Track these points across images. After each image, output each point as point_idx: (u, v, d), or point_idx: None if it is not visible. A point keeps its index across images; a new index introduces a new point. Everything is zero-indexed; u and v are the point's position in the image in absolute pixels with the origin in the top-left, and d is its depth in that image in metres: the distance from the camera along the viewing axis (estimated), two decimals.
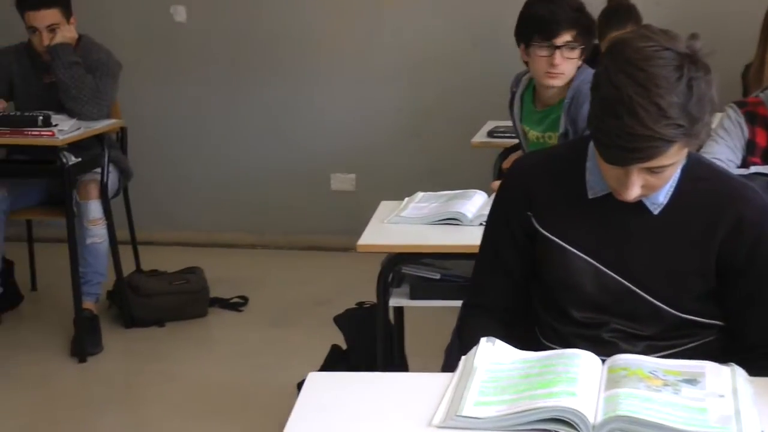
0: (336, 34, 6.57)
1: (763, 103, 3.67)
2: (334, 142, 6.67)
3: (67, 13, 5.13)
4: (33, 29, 5.07)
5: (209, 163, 6.82)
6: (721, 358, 2.26)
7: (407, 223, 3.48)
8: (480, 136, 5.22)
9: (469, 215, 3.45)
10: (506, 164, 4.26)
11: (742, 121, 3.65)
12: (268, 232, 6.80)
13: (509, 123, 5.10)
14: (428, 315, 3.93)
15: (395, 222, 3.49)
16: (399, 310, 3.53)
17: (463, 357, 2.19)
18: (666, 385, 1.99)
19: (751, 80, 5.45)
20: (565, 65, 3.73)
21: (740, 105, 3.70)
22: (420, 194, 3.75)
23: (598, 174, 2.30)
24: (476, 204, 3.56)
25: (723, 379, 2.04)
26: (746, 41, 5.41)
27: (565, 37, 3.68)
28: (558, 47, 3.68)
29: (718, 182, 2.34)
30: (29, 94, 5.15)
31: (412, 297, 3.44)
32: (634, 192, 2.16)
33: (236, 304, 5.63)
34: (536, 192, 2.40)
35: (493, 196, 3.53)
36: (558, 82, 3.79)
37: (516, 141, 4.62)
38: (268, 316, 5.55)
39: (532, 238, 2.41)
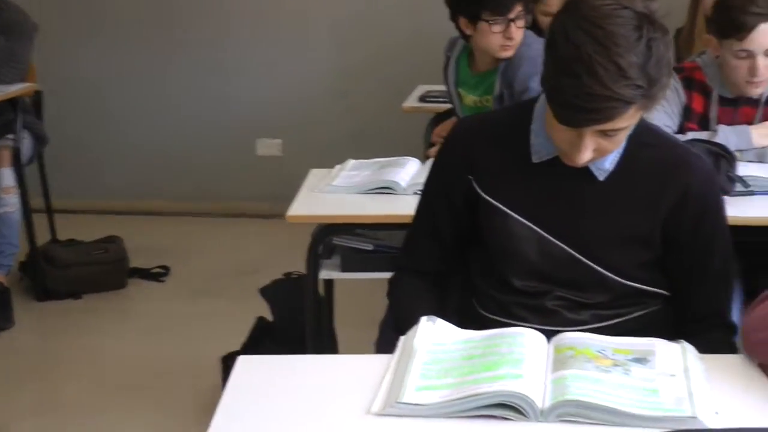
0: None
1: (700, 67, 3.63)
2: (259, 106, 6.50)
3: None
4: None
5: (130, 128, 6.61)
6: (667, 327, 2.26)
7: (339, 192, 3.35)
8: (411, 101, 5.09)
9: (403, 184, 3.34)
10: (438, 131, 4.12)
11: (679, 86, 3.61)
12: (191, 199, 6.61)
13: (441, 87, 5.03)
14: (359, 288, 3.79)
15: (326, 191, 3.35)
16: (329, 283, 3.41)
17: (401, 337, 2.08)
18: (616, 365, 1.91)
19: (682, 45, 5.44)
20: (518, 35, 3.69)
21: (677, 70, 3.63)
22: (351, 162, 3.62)
23: (543, 137, 2.23)
24: (410, 172, 3.44)
25: (673, 357, 1.97)
26: (677, 6, 5.36)
27: (517, 9, 3.63)
28: (511, 20, 3.61)
29: (664, 149, 2.28)
30: None
31: (344, 269, 3.32)
32: (586, 155, 2.08)
33: (157, 275, 5.48)
34: (478, 155, 2.31)
35: (428, 163, 3.46)
36: (511, 53, 3.73)
37: (448, 106, 4.53)
38: (191, 286, 5.39)
39: (473, 204, 2.32)
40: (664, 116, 3.56)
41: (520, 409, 1.75)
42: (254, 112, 6.53)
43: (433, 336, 2.04)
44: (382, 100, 6.11)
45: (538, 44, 3.72)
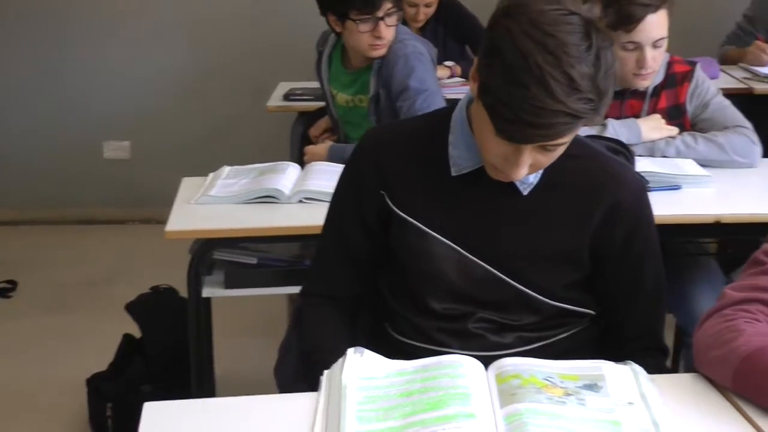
0: None
1: None
2: (106, 107, 6.17)
3: None
4: None
5: None
6: (594, 348, 2.16)
7: (217, 202, 3.11)
8: (276, 100, 4.79)
9: (286, 191, 3.13)
10: (314, 131, 3.93)
11: None
12: (36, 207, 6.25)
13: (305, 84, 4.88)
14: (235, 304, 3.59)
15: (203, 202, 3.11)
16: (206, 301, 3.13)
17: (326, 372, 1.89)
18: (568, 394, 1.76)
19: None
20: (388, 34, 3.49)
21: None
22: (226, 169, 3.38)
23: (463, 149, 2.06)
24: (291, 178, 3.24)
25: (625, 382, 1.84)
26: None
27: (386, 6, 3.44)
28: (380, 18, 3.42)
29: (591, 161, 2.13)
30: None
31: (228, 286, 3.07)
32: (522, 172, 1.92)
33: (3, 290, 5.17)
34: (390, 169, 2.13)
35: (309, 167, 3.27)
36: (382, 52, 3.53)
37: (317, 105, 4.37)
38: (42, 301, 5.08)
39: (386, 221, 2.15)
40: None
41: None
42: (101, 114, 6.20)
43: (361, 370, 1.85)
44: (241, 100, 5.91)
45: (413, 40, 3.60)
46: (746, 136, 3.36)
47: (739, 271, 2.22)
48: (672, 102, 3.46)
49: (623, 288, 2.16)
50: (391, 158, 2.13)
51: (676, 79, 3.46)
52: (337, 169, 3.28)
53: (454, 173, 2.08)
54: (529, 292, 2.10)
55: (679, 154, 3.30)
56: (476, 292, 2.11)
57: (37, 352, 4.47)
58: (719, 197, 3.05)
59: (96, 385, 3.74)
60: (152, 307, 3.81)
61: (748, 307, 1.89)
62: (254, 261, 3.12)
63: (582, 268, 2.13)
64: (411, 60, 3.49)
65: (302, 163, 3.49)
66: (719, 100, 3.48)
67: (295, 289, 3.12)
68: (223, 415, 1.77)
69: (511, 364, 1.85)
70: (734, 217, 2.95)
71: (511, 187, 2.05)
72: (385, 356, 2.01)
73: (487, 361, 1.96)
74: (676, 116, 3.46)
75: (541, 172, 2.03)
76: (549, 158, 1.92)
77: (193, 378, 3.06)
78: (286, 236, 2.99)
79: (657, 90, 3.45)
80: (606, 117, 3.48)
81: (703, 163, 3.23)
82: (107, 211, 6.19)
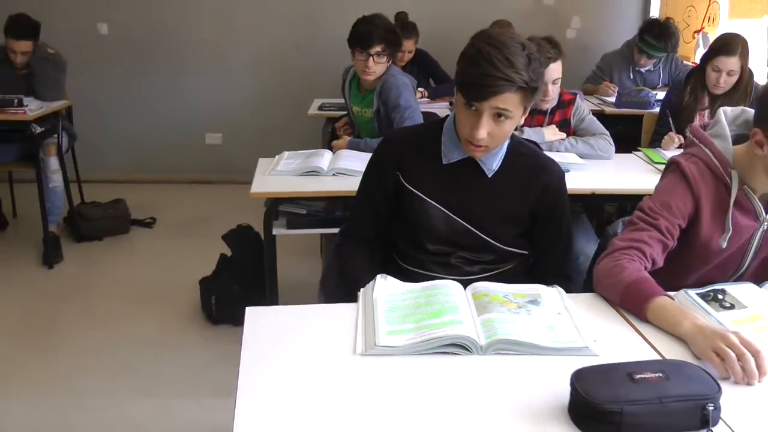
0: (204, 40, 5.75)
1: None
2: (206, 112, 5.91)
3: (36, 42, 4.39)
4: (12, 50, 4.33)
5: (128, 125, 5.89)
6: (524, 275, 2.01)
7: (281, 175, 2.91)
8: (313, 109, 4.55)
9: (325, 168, 2.94)
10: (338, 125, 3.74)
11: None
12: (166, 171, 5.94)
13: (330, 100, 4.66)
14: (291, 240, 3.33)
15: (273, 174, 2.91)
16: (273, 237, 2.92)
17: (362, 290, 1.71)
18: (519, 307, 1.59)
19: None
20: (375, 67, 3.27)
21: None
22: (286, 153, 3.18)
23: (451, 146, 1.92)
24: (327, 160, 3.04)
25: (554, 299, 1.67)
26: None
27: (377, 48, 3.22)
28: (371, 55, 3.21)
29: (532, 157, 1.98)
30: (6, 84, 4.33)
31: (289, 227, 2.86)
32: (483, 133, 1.76)
33: (149, 223, 4.93)
34: (404, 158, 1.97)
35: (339, 153, 3.09)
36: (371, 78, 3.32)
37: (340, 113, 4.12)
38: (172, 231, 4.86)
39: (398, 191, 1.98)
40: None
41: (467, 346, 1.42)
42: (203, 116, 5.93)
43: (386, 289, 1.68)
44: (290, 109, 5.64)
45: (401, 75, 3.40)
46: (606, 140, 3.26)
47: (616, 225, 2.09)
48: (562, 117, 3.35)
49: (548, 237, 2.01)
50: (404, 151, 1.97)
51: (564, 103, 3.33)
52: (357, 155, 3.12)
53: (444, 162, 1.93)
54: (490, 240, 1.96)
55: (567, 150, 3.15)
56: (456, 238, 1.96)
57: (169, 262, 4.30)
58: (592, 177, 2.91)
59: (205, 284, 3.57)
60: (239, 237, 3.60)
61: (629, 252, 1.73)
62: (304, 212, 2.91)
63: (524, 225, 1.98)
64: (400, 88, 3.30)
65: (331, 149, 3.31)
66: (590, 117, 3.39)
67: (330, 231, 3.00)
68: (296, 318, 1.59)
69: (482, 285, 1.68)
70: (603, 190, 2.83)
71: (481, 171, 1.91)
72: (397, 278, 1.87)
73: (463, 283, 1.82)
74: (564, 127, 3.33)
75: (500, 161, 1.92)
76: (501, 129, 1.78)
77: (267, 284, 2.89)
78: (326, 197, 2.81)
79: (553, 110, 3.32)
80: (522, 127, 3.35)
81: (581, 156, 3.09)
82: (208, 176, 5.93)
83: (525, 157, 1.96)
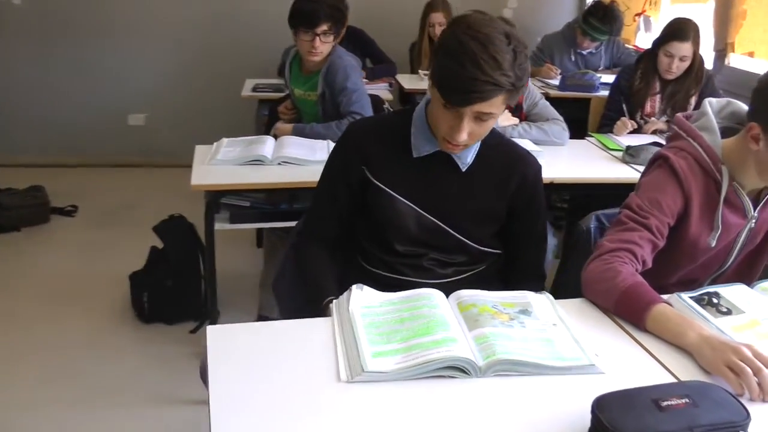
0: (124, 12, 5.31)
1: None
2: (125, 88, 5.49)
3: None
4: None
5: (44, 104, 5.42)
6: (497, 276, 1.89)
7: (223, 164, 2.69)
8: (246, 90, 4.26)
9: (270, 156, 2.74)
10: (283, 108, 3.50)
11: None
12: (87, 154, 5.53)
13: (265, 81, 4.42)
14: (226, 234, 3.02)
15: (214, 163, 2.69)
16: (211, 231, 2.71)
17: (335, 301, 1.55)
18: (511, 318, 1.46)
19: (415, 56, 5.07)
20: (322, 47, 3.05)
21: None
22: (225, 140, 2.95)
23: (422, 138, 1.74)
24: (270, 147, 2.84)
25: (546, 308, 1.54)
26: (410, 26, 4.96)
27: (323, 27, 3.00)
28: (317, 35, 3.00)
29: (507, 149, 1.83)
30: None
31: (232, 221, 2.65)
32: (464, 136, 1.61)
33: (69, 211, 4.57)
34: (370, 151, 1.78)
35: (282, 139, 2.89)
36: (317, 59, 3.10)
37: (275, 95, 3.93)
38: (95, 219, 4.52)
39: (364, 187, 1.79)
40: None
41: (464, 369, 1.27)
42: (125, 93, 5.52)
43: (362, 300, 1.51)
44: (218, 90, 5.32)
45: (348, 56, 3.21)
46: (560, 126, 3.16)
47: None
48: (514, 103, 3.23)
49: (524, 233, 1.86)
50: (370, 144, 1.78)
51: None
52: (302, 142, 2.93)
53: (415, 155, 1.75)
54: (465, 239, 1.80)
55: (520, 136, 3.03)
56: (428, 239, 1.79)
57: (93, 254, 3.97)
58: (549, 166, 2.69)
59: (136, 280, 3.31)
60: (171, 229, 3.34)
61: (619, 254, 1.62)
62: (247, 204, 2.70)
63: (500, 222, 1.83)
64: (348, 70, 3.12)
65: (270, 135, 3.11)
66: (543, 102, 3.29)
67: (276, 225, 2.80)
68: (265, 338, 1.40)
69: (467, 295, 1.53)
70: (562, 179, 2.73)
71: (454, 165, 1.75)
72: (362, 282, 1.71)
73: (436, 287, 1.67)
74: (516, 112, 3.23)
75: (475, 154, 1.75)
76: (482, 128, 1.63)
77: (207, 284, 2.74)
78: (272, 189, 2.61)
79: None
80: None
81: (536, 143, 2.97)
82: (131, 159, 5.54)
83: (501, 149, 1.81)
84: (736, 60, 4.01)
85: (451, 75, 1.52)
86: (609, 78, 4.76)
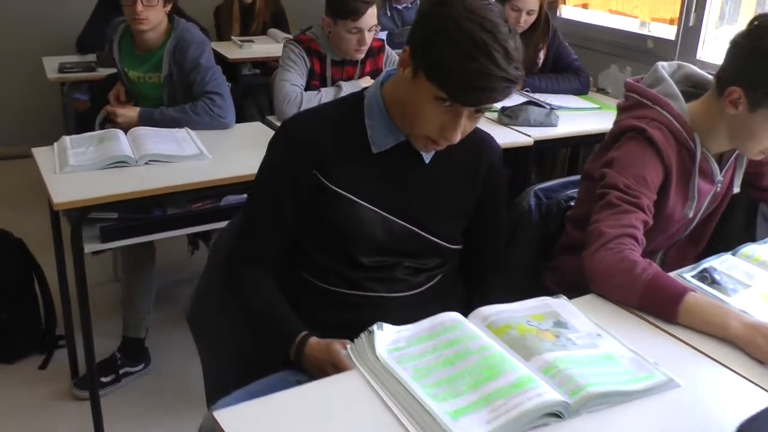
0: None
1: (314, 39, 2.95)
2: None
3: None
4: None
5: None
6: (456, 272, 1.73)
7: (79, 171, 2.20)
8: (52, 72, 3.52)
9: (134, 156, 2.30)
10: (114, 94, 2.99)
11: (304, 54, 2.93)
12: None
13: (71, 59, 3.78)
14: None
15: (68, 171, 2.19)
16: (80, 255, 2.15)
17: (350, 347, 1.28)
18: (556, 336, 1.30)
19: (224, 21, 4.68)
20: (146, 12, 2.62)
21: (299, 42, 2.95)
22: (67, 139, 2.43)
23: (381, 130, 1.50)
24: (127, 144, 2.39)
25: (573, 314, 1.39)
26: None
27: None
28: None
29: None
30: None
31: (104, 240, 2.17)
32: (459, 136, 1.41)
33: None
34: (322, 151, 1.50)
35: (137, 132, 2.45)
36: (144, 27, 2.66)
37: (83, 75, 3.47)
38: None
39: (316, 195, 1.51)
40: (297, 77, 2.90)
41: (558, 413, 1.09)
42: None
43: (385, 341, 1.25)
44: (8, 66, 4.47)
45: (195, 29, 2.80)
46: None
47: None
48: (373, 67, 3.08)
49: (489, 223, 1.69)
50: (321, 143, 1.50)
51: (374, 51, 3.04)
52: (161, 133, 2.51)
53: (374, 151, 1.50)
54: (437, 240, 1.59)
55: None
56: (398, 245, 1.55)
57: None
58: None
59: None
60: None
61: (624, 241, 1.51)
62: (115, 216, 2.24)
63: (470, 216, 1.65)
64: (200, 45, 2.72)
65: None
66: None
67: (153, 238, 2.37)
68: (290, 414, 1.10)
69: (492, 314, 1.33)
70: None
71: (418, 158, 1.53)
72: (319, 304, 1.54)
73: (407, 300, 1.57)
74: (376, 77, 3.01)
75: None
76: (473, 124, 1.43)
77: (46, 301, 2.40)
78: (148, 196, 2.17)
79: (363, 60, 3.00)
80: (333, 79, 2.99)
81: None
82: None
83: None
84: (567, 12, 4.10)
85: (459, 70, 1.28)
86: None
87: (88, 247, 2.15)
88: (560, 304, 1.39)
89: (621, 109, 1.77)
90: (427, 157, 1.54)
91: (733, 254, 1.66)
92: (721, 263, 1.60)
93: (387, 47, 3.11)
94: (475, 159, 1.61)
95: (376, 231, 1.52)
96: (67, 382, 2.62)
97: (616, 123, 1.75)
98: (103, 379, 2.56)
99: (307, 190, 1.51)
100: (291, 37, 3.25)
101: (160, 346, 2.82)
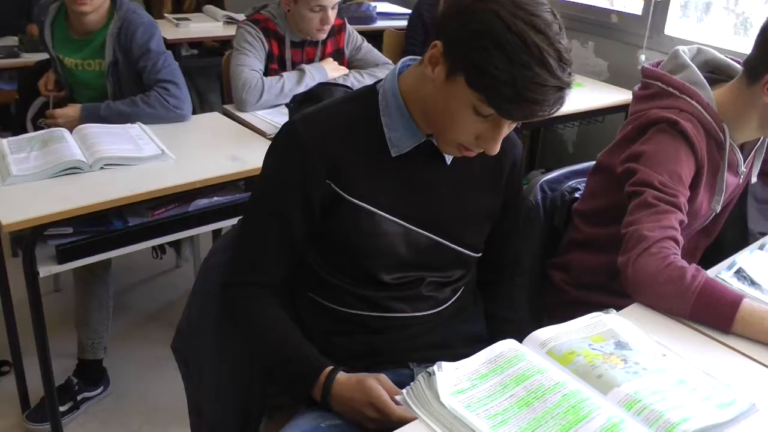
0: None
1: (270, 19, 2.76)
2: None
3: None
4: None
5: None
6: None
7: (25, 181, 1.94)
8: None
9: (88, 161, 2.06)
10: (42, 85, 2.69)
11: (261, 36, 2.74)
12: None
13: None
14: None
15: (12, 183, 1.93)
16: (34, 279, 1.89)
17: (406, 392, 1.13)
18: (624, 361, 1.20)
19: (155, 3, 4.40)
20: None
21: (255, 22, 2.75)
22: (4, 142, 2.17)
23: (401, 131, 1.33)
24: (76, 145, 2.14)
25: (631, 332, 1.30)
26: None
27: None
28: None
29: None
30: None
31: (62, 261, 1.92)
32: (498, 147, 1.27)
33: None
34: (336, 158, 1.32)
35: (84, 131, 2.22)
36: (86, 8, 2.39)
37: (11, 61, 3.14)
38: None
39: (329, 208, 1.34)
40: (255, 61, 2.71)
41: None
42: None
43: (448, 384, 1.12)
44: None
45: (140, 9, 2.55)
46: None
47: None
48: (334, 48, 2.91)
49: (512, 225, 1.58)
50: (334, 148, 1.31)
51: (334, 30, 2.86)
52: (112, 131, 2.29)
53: (394, 154, 1.34)
54: (463, 250, 1.46)
55: (352, 86, 2.65)
56: (421, 258, 1.41)
57: None
58: None
59: None
60: None
61: (666, 245, 1.42)
62: (70, 230, 1.98)
63: (494, 220, 1.52)
64: (149, 28, 2.47)
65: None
66: (367, 45, 3.01)
67: (115, 254, 2.14)
68: None
69: (549, 338, 1.23)
70: None
71: (440, 159, 1.39)
72: (329, 328, 1.40)
73: (429, 319, 1.44)
74: (338, 58, 2.89)
75: None
76: (511, 128, 1.28)
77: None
78: (109, 208, 1.95)
79: (324, 40, 2.82)
80: (292, 62, 2.82)
81: None
82: None
83: None
84: None
85: (509, 80, 1.11)
86: (387, 6, 4.55)
87: (44, 270, 1.90)
88: (614, 321, 1.30)
89: (640, 98, 1.67)
90: (449, 158, 1.40)
91: (761, 249, 1.60)
92: (747, 260, 1.55)
93: (348, 25, 2.94)
94: (499, 156, 1.41)
95: (398, 245, 1.38)
96: (16, 416, 2.38)
97: (637, 113, 1.65)
98: (60, 408, 2.31)
99: (319, 203, 1.34)
100: (233, 15, 3.04)
101: (117, 364, 2.59)
